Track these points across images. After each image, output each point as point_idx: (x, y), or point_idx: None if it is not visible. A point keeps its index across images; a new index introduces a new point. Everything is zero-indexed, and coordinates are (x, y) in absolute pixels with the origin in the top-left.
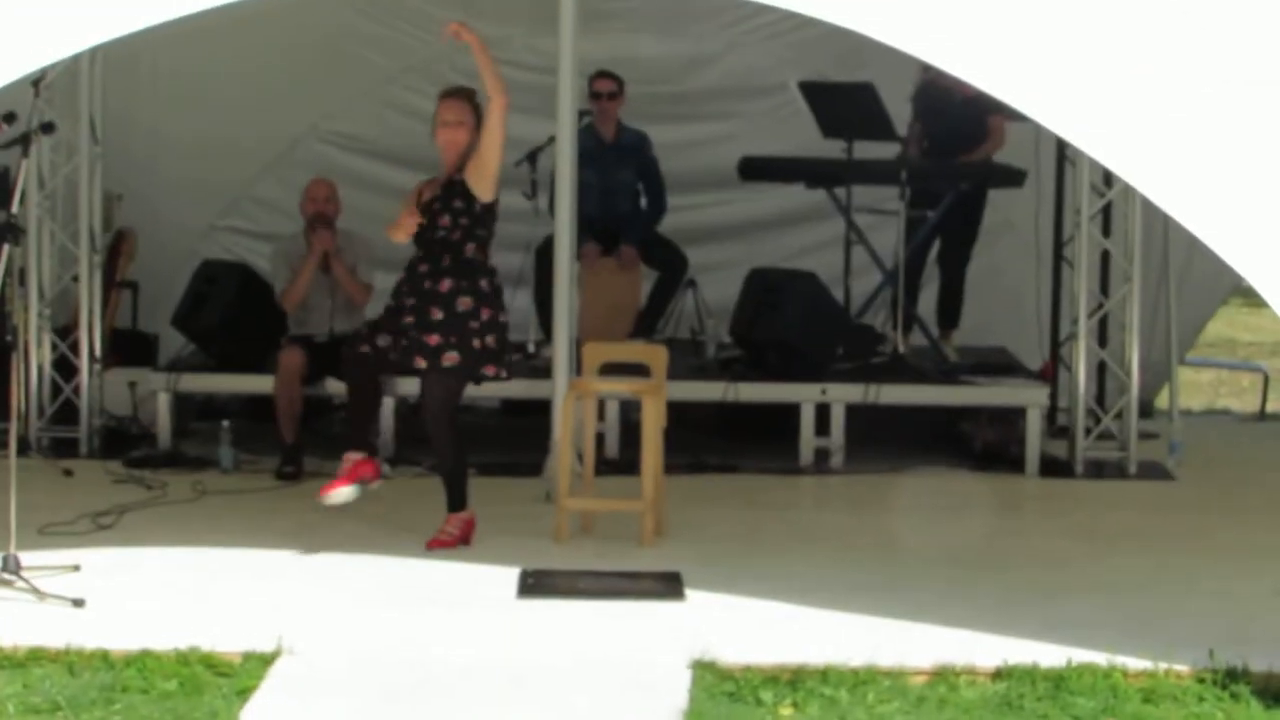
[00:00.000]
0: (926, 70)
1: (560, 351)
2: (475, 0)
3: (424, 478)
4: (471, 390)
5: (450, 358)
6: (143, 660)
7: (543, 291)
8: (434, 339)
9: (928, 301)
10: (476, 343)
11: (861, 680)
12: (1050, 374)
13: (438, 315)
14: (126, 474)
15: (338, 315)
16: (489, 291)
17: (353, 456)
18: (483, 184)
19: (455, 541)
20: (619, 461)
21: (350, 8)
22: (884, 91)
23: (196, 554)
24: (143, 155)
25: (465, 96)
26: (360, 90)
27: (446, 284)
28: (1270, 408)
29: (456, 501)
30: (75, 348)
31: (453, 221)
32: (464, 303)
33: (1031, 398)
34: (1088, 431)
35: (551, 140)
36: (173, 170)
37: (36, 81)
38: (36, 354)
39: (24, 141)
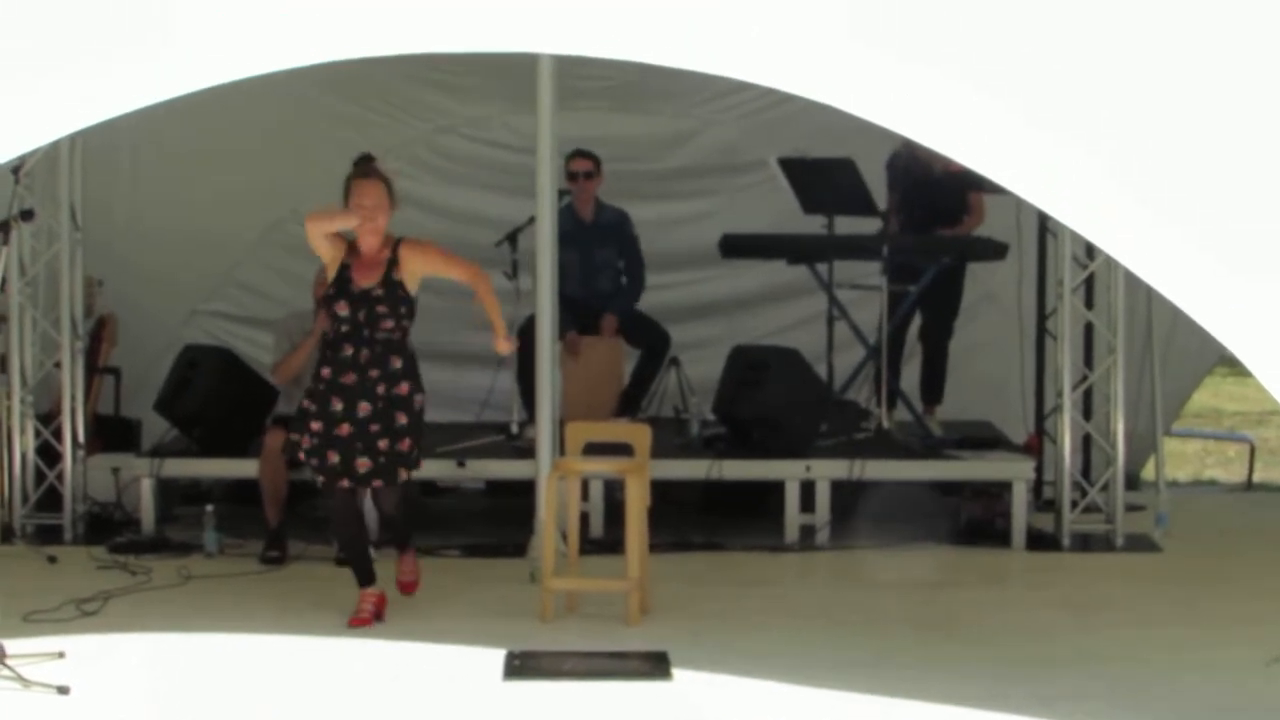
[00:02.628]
0: (906, 143)
1: (544, 431)
2: (452, 80)
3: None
4: (455, 472)
5: (419, 461)
6: None
7: (525, 372)
8: (406, 444)
9: (911, 376)
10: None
11: None
12: (1035, 447)
13: (404, 420)
14: (111, 560)
15: None
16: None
17: (371, 593)
18: (415, 284)
19: (417, 577)
20: (604, 541)
21: (329, 91)
22: (863, 166)
23: (182, 639)
24: (123, 241)
25: (380, 178)
26: (338, 172)
27: (405, 386)
28: (1257, 478)
29: (406, 538)
30: (58, 434)
31: (396, 324)
32: (419, 401)
33: (1017, 471)
34: (1074, 504)
35: (531, 220)
36: (154, 256)
37: (16, 169)
38: (20, 441)
39: (4, 229)
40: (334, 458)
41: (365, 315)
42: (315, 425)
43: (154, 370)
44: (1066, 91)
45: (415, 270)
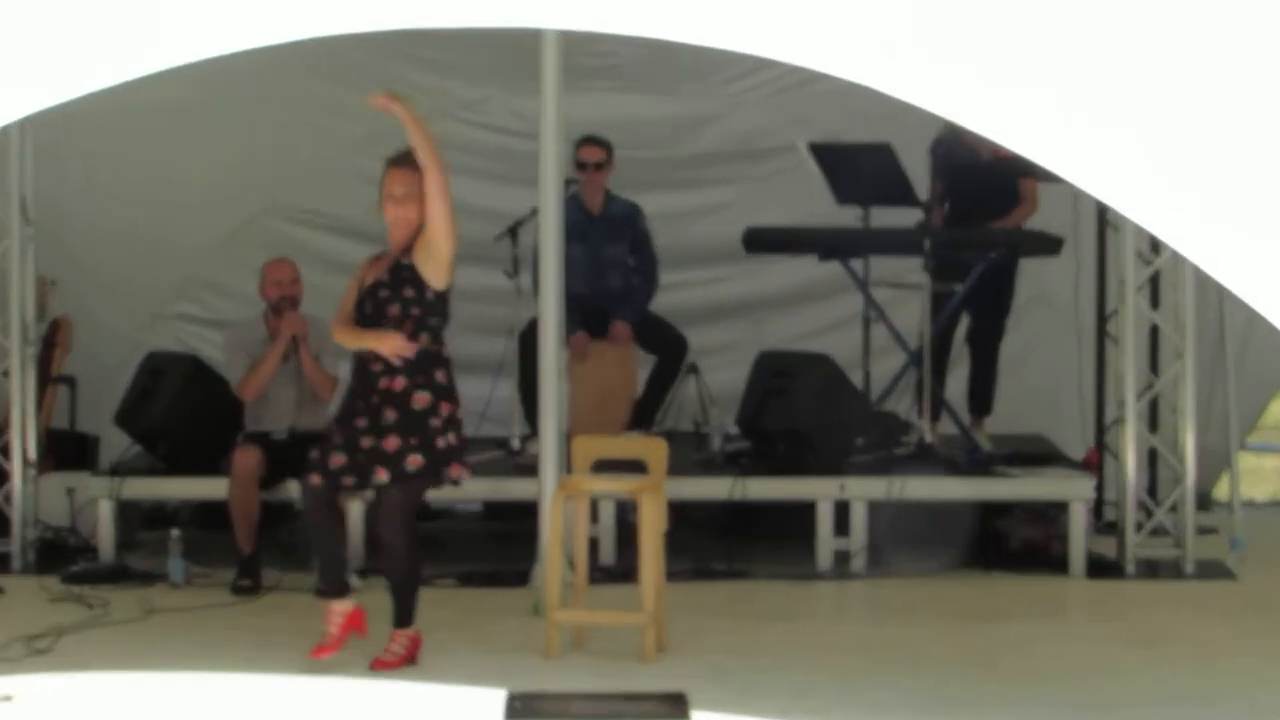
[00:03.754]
0: (949, 126)
1: (548, 447)
2: (446, 59)
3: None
4: (449, 492)
5: (414, 460)
6: None
7: (527, 381)
8: (392, 443)
9: (957, 385)
10: (440, 442)
11: None
12: (1095, 463)
13: (392, 416)
14: (64, 591)
15: (301, 410)
16: (446, 385)
17: (339, 610)
18: (432, 269)
19: (402, 661)
20: (615, 568)
21: (313, 73)
22: (903, 152)
23: (144, 680)
24: (79, 237)
25: (416, 168)
26: (324, 161)
27: (401, 381)
28: None
29: (405, 617)
30: (6, 451)
31: (403, 311)
32: (420, 399)
33: (1075, 490)
34: (1139, 527)
35: (534, 212)
36: (113, 253)
37: None
38: None
39: None
40: (313, 452)
41: (371, 307)
42: (337, 438)
43: (113, 379)
44: (1129, 69)
45: (426, 250)
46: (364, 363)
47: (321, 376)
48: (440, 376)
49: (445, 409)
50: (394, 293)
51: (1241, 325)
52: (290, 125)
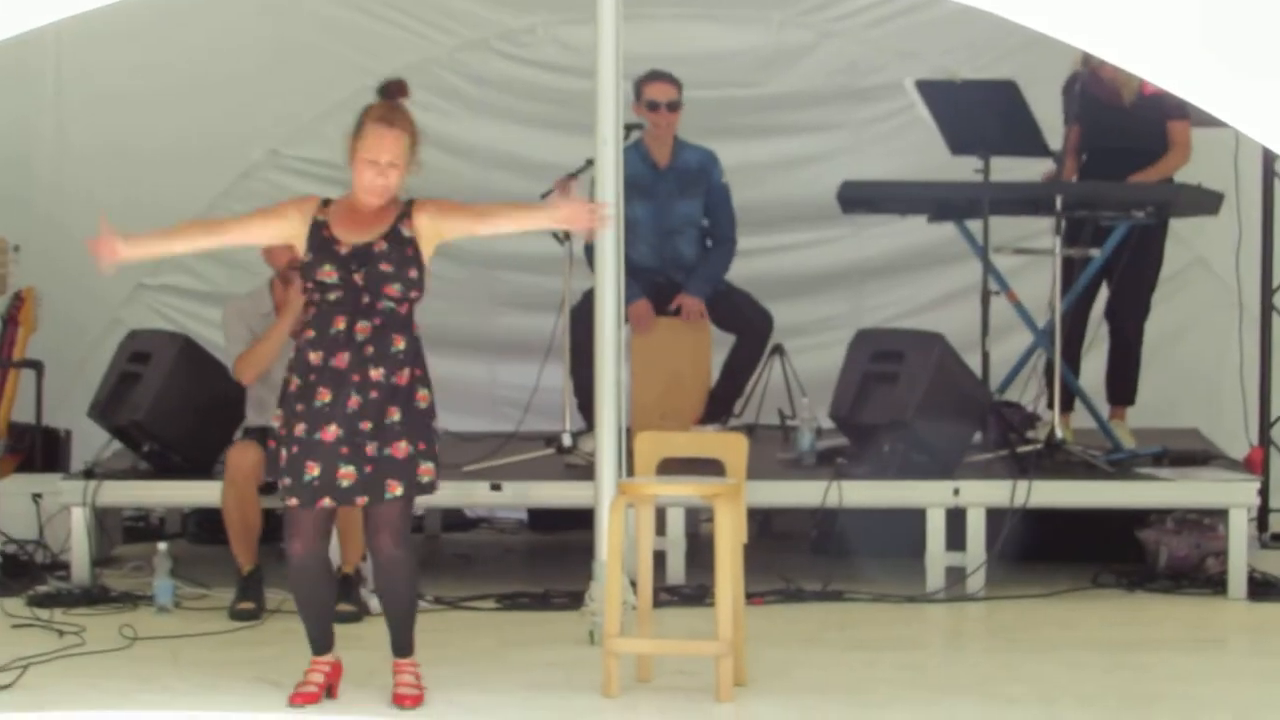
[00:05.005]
0: (1086, 61)
1: (606, 444)
2: None
3: (423, 613)
4: (487, 499)
5: (426, 470)
6: None
7: (581, 366)
8: (401, 449)
9: (1093, 370)
10: (438, 447)
11: None
12: (1260, 464)
13: (397, 416)
14: (31, 616)
15: None
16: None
17: (323, 663)
18: (430, 249)
19: (421, 691)
20: (685, 589)
21: None
22: (1031, 91)
23: None
24: (46, 196)
25: (405, 128)
26: (336, 102)
27: (406, 375)
28: None
29: (409, 645)
30: None
31: (403, 293)
32: (423, 397)
33: (1235, 495)
34: None
35: (589, 164)
36: (87, 214)
37: None
38: None
39: None
40: (313, 469)
41: (365, 277)
42: (298, 428)
43: (88, 364)
44: None
45: (433, 230)
46: (347, 343)
47: None
48: (425, 370)
49: (430, 403)
50: (398, 270)
51: None
52: (297, 57)
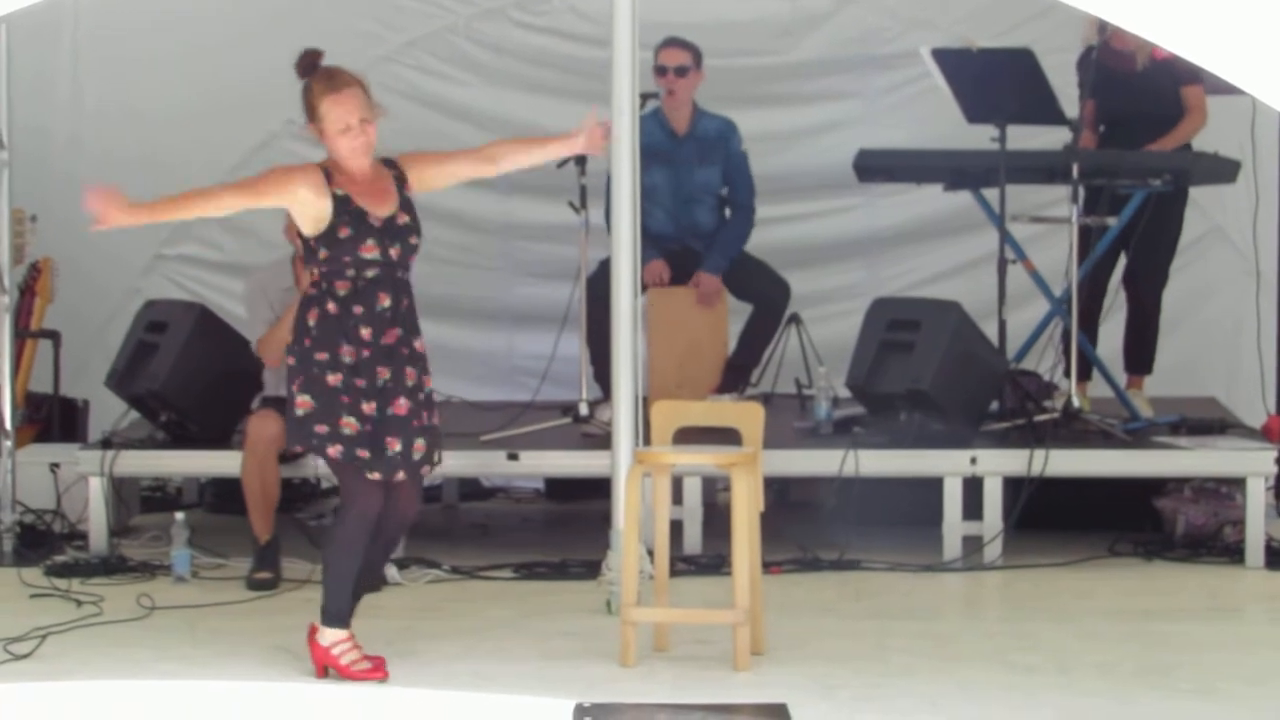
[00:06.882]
0: (1103, 30)
1: (622, 413)
2: None
3: (440, 582)
4: (504, 468)
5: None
6: None
7: (597, 335)
8: (436, 416)
9: (1111, 339)
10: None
11: None
12: (1277, 432)
13: (429, 384)
14: (49, 585)
15: None
16: None
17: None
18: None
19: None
20: (702, 558)
21: None
22: (1047, 60)
23: (142, 690)
24: (63, 164)
25: (354, 81)
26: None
27: (419, 342)
28: None
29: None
30: None
31: (405, 252)
32: (427, 363)
33: (1253, 464)
34: None
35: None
36: (105, 180)
37: None
38: None
39: None
40: (395, 445)
41: (400, 251)
42: (366, 406)
43: (105, 334)
44: None
45: (421, 186)
46: (375, 317)
47: None
48: None
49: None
50: (419, 240)
51: None
52: (312, 26)
